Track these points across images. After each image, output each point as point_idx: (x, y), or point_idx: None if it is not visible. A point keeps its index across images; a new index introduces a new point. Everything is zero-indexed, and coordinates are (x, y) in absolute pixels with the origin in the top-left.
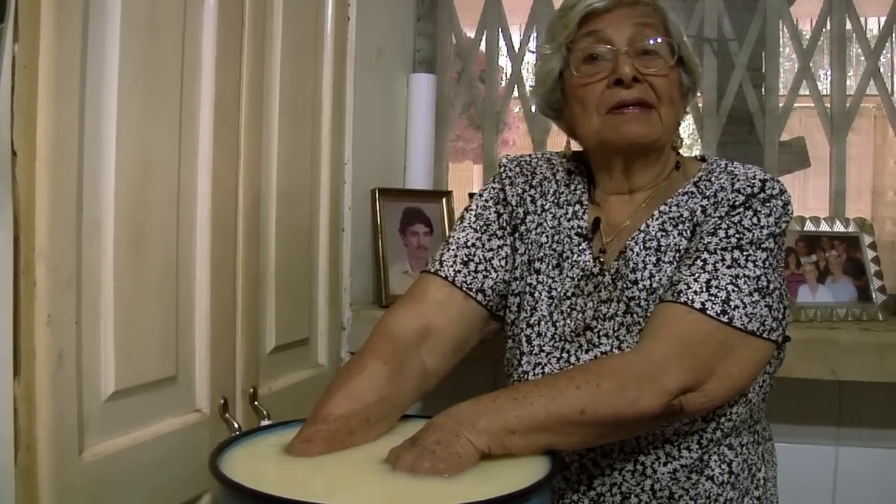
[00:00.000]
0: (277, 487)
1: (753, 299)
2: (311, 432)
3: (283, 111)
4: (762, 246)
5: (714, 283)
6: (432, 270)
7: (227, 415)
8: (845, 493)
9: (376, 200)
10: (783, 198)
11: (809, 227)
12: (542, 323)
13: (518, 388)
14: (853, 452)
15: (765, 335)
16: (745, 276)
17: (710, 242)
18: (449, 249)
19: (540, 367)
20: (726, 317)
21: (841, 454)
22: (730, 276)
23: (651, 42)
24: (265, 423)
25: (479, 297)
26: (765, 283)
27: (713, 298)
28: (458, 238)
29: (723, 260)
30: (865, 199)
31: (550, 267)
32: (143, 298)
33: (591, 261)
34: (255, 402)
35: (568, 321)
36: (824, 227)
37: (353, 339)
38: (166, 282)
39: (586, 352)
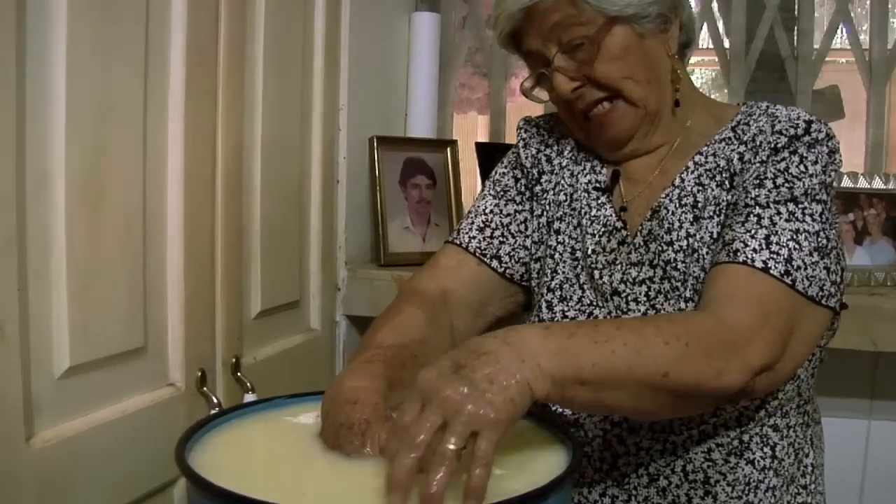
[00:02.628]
0: (262, 487)
1: (813, 259)
2: (370, 355)
3: (268, 51)
4: (816, 197)
5: (774, 238)
6: (449, 240)
7: (205, 388)
8: (876, 468)
9: (374, 150)
10: (830, 144)
11: (847, 183)
12: (566, 286)
13: (597, 327)
14: (887, 427)
15: (823, 301)
16: (805, 231)
17: (758, 195)
18: (468, 218)
19: None
20: (789, 278)
21: (873, 428)
22: (790, 230)
23: (573, 35)
24: (249, 397)
25: (495, 263)
26: (823, 241)
27: (775, 257)
28: (478, 206)
29: (779, 213)
30: None
31: (571, 227)
32: (103, 259)
33: (613, 216)
34: (238, 374)
35: (593, 284)
36: (862, 184)
37: (348, 301)
38: (131, 240)
39: (614, 319)
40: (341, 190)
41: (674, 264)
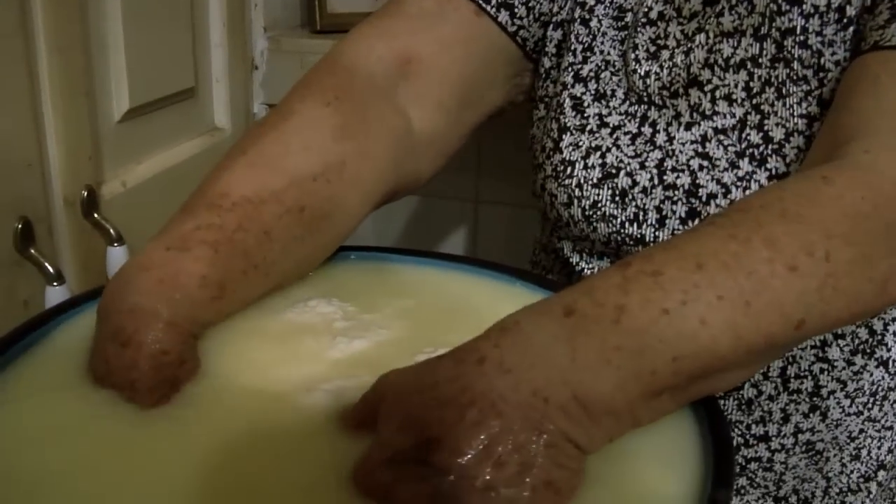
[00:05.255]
0: None
1: None
2: (188, 230)
3: None
4: None
5: None
6: None
7: (32, 251)
8: None
9: None
10: None
11: None
12: (604, 74)
13: (660, 272)
14: None
15: None
16: None
17: None
18: None
19: (598, 153)
20: None
21: None
22: None
23: None
24: (115, 255)
25: (503, 15)
26: None
27: None
28: None
29: None
30: None
31: None
32: None
33: None
34: (96, 215)
35: (655, 68)
36: None
37: (270, 84)
38: None
39: (687, 128)
40: None
41: (799, 37)
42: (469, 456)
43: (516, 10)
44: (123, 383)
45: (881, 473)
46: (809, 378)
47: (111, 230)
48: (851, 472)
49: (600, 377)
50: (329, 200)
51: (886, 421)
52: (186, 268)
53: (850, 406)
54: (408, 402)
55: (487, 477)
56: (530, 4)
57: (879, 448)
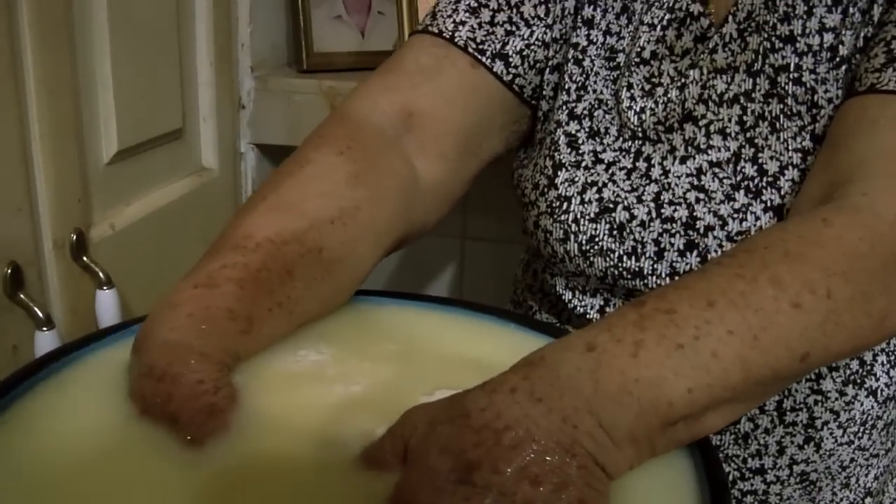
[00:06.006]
0: None
1: None
2: (214, 269)
3: None
4: None
5: None
6: (420, 28)
7: (21, 295)
8: None
9: None
10: None
11: None
12: (597, 112)
13: (674, 310)
14: None
15: None
16: None
17: None
18: None
19: (595, 188)
20: None
21: None
22: None
23: None
24: (105, 300)
25: (498, 65)
26: None
27: None
28: None
29: None
30: None
31: (612, 14)
32: None
33: None
34: (85, 258)
35: (650, 105)
36: None
37: (257, 124)
38: None
39: (682, 161)
40: None
41: (793, 74)
42: (509, 474)
43: (511, 59)
44: (163, 416)
45: (868, 500)
46: (804, 410)
47: (100, 273)
48: (841, 500)
49: (622, 407)
50: (344, 244)
51: (874, 449)
52: (214, 302)
53: (843, 436)
54: (442, 431)
55: (527, 494)
56: (524, 53)
57: (867, 475)
